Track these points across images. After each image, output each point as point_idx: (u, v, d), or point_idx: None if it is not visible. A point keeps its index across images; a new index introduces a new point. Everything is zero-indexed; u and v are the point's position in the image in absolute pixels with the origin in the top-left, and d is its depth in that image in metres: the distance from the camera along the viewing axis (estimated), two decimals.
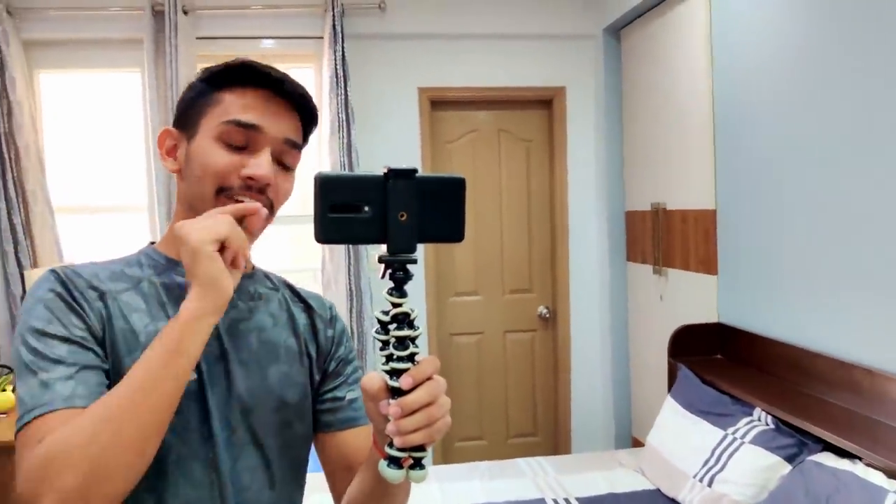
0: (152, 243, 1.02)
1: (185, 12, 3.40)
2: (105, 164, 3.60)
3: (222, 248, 0.81)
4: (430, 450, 0.73)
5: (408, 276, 0.71)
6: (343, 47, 3.46)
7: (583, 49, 3.89)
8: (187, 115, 0.95)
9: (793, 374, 2.50)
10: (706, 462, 2.37)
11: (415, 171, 0.69)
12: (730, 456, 2.30)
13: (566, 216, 3.93)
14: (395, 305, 0.71)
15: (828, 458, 2.03)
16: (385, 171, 0.69)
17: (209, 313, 0.80)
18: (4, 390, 2.85)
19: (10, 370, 3.15)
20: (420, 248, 0.70)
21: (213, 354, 0.93)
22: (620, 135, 3.86)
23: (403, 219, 0.69)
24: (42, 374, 0.80)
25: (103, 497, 0.73)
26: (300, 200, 3.32)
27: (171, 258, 0.96)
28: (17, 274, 3.32)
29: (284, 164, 0.95)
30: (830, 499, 1.87)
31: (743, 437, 2.32)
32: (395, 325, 0.71)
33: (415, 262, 0.70)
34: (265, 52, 3.59)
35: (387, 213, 0.69)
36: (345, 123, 3.47)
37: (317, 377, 1.04)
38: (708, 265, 3.05)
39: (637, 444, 3.74)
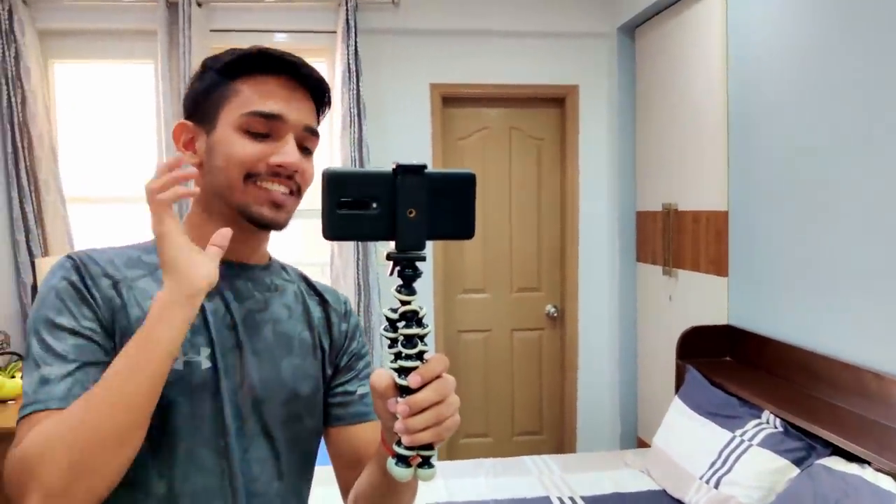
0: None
1: (199, 4, 3.41)
2: (117, 154, 3.61)
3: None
4: (437, 447, 0.73)
5: (416, 274, 0.70)
6: (356, 42, 3.46)
7: (597, 47, 3.87)
8: (203, 107, 0.95)
9: (802, 378, 2.48)
10: (713, 464, 2.36)
11: (424, 167, 0.68)
12: (737, 458, 2.29)
13: (576, 215, 3.91)
14: (403, 303, 0.70)
15: (836, 462, 2.02)
16: (394, 167, 0.68)
17: (177, 303, 0.79)
18: (14, 377, 2.87)
19: (21, 357, 3.17)
20: (428, 244, 0.69)
21: (228, 344, 0.93)
22: (633, 134, 3.83)
23: (412, 215, 0.68)
24: (44, 368, 0.81)
25: (86, 492, 0.74)
26: (309, 194, 3.31)
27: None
28: (28, 263, 3.34)
29: (305, 149, 0.96)
30: (839, 503, 1.86)
31: (751, 439, 2.31)
32: (403, 323, 0.70)
33: (423, 259, 0.69)
34: (278, 46, 3.52)
35: (395, 209, 0.68)
36: (356, 118, 3.47)
37: (329, 371, 1.05)
38: (719, 266, 3.03)
39: (642, 444, 3.73)
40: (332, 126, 3.54)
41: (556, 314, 4.00)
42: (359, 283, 3.52)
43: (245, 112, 0.91)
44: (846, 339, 2.31)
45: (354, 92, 3.46)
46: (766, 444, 2.25)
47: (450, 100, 3.81)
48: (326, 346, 1.04)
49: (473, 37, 3.76)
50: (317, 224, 0.69)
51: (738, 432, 2.37)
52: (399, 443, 0.71)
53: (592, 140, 3.90)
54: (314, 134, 0.97)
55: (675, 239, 3.39)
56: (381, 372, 0.73)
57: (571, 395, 3.97)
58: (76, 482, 0.73)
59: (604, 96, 3.89)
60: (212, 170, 0.93)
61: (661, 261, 3.52)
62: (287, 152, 0.91)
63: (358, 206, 0.68)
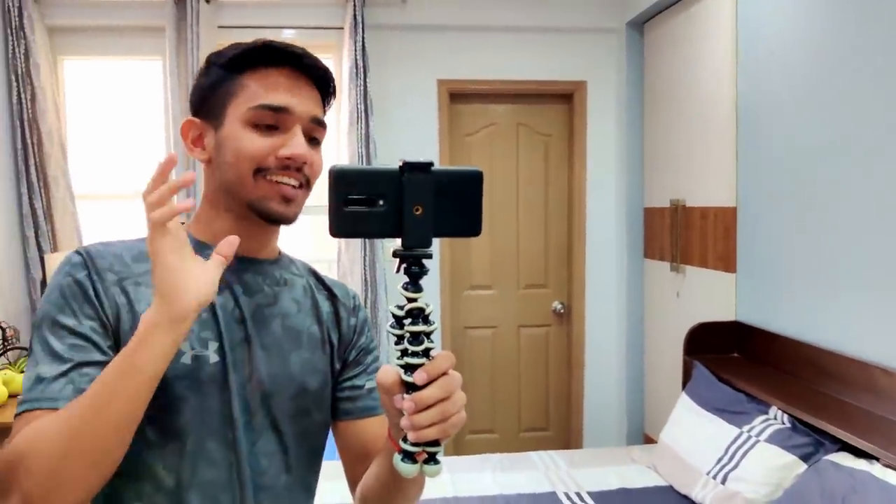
0: (182, 223, 1.02)
1: (207, 1, 3.41)
2: (126, 151, 3.63)
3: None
4: (443, 443, 0.73)
5: (423, 271, 0.70)
6: (363, 38, 3.46)
7: (605, 43, 3.85)
8: (210, 103, 0.95)
9: (810, 373, 2.48)
10: (720, 459, 2.36)
11: (431, 164, 0.68)
12: (744, 454, 2.29)
13: (584, 211, 3.90)
14: (409, 300, 0.70)
15: (844, 458, 2.01)
16: (401, 164, 0.68)
17: (161, 326, 0.76)
18: (24, 372, 2.89)
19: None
20: (435, 240, 0.69)
21: (237, 338, 0.94)
22: (641, 130, 3.82)
23: (419, 213, 0.68)
24: (41, 366, 0.82)
25: (64, 499, 0.74)
26: (318, 190, 3.31)
27: (201, 240, 0.96)
28: (37, 259, 3.36)
29: (313, 140, 0.96)
30: (846, 499, 1.86)
31: (758, 435, 2.30)
32: (409, 321, 0.70)
33: (430, 256, 0.69)
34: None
35: (402, 207, 0.68)
36: (363, 114, 3.47)
37: (337, 365, 1.05)
38: (727, 263, 3.02)
39: (649, 441, 3.72)
40: (339, 122, 3.54)
41: (562, 311, 4.00)
42: (366, 280, 3.53)
43: (252, 106, 0.91)
44: (854, 334, 2.30)
45: (361, 88, 3.46)
46: (774, 439, 2.25)
47: (457, 96, 3.80)
48: (335, 341, 1.05)
49: (481, 32, 3.75)
50: (324, 220, 0.69)
51: (746, 428, 2.37)
52: (405, 439, 0.71)
53: (600, 136, 3.89)
54: (321, 125, 0.97)
55: (683, 235, 3.38)
56: (388, 368, 0.73)
57: (578, 391, 3.97)
58: (53, 492, 0.74)
59: (612, 92, 3.88)
60: (221, 165, 0.93)
61: (669, 257, 3.51)
62: (295, 144, 0.91)
63: (365, 204, 0.68)
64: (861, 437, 1.99)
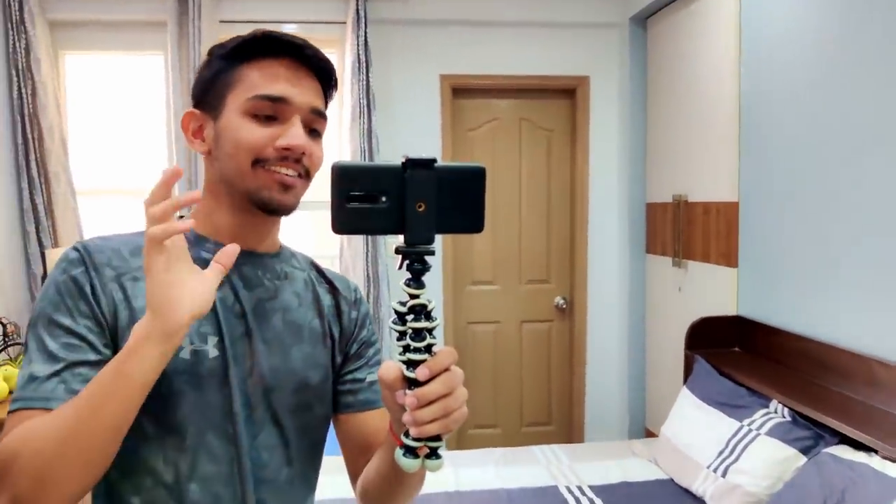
0: (181, 217, 1.02)
1: None
2: (127, 146, 3.63)
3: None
4: (445, 438, 0.73)
5: (425, 268, 0.70)
6: (366, 32, 3.45)
7: (608, 38, 3.85)
8: (210, 94, 0.95)
9: (810, 367, 2.48)
10: (721, 453, 2.36)
11: (434, 160, 0.68)
12: (745, 447, 2.30)
13: (586, 207, 3.90)
14: (412, 297, 0.70)
15: (844, 451, 2.02)
16: (403, 160, 0.68)
17: (153, 339, 0.75)
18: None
19: None
20: (437, 236, 0.69)
21: (237, 332, 0.93)
22: (644, 126, 3.82)
23: (421, 209, 0.68)
24: (35, 365, 0.82)
25: (51, 502, 0.74)
26: (319, 186, 3.31)
27: (201, 234, 0.96)
28: (38, 254, 3.36)
29: (313, 132, 0.95)
30: (846, 491, 1.86)
31: (759, 428, 2.31)
32: (412, 317, 0.70)
33: (433, 253, 0.69)
34: None
35: (404, 203, 0.68)
36: (366, 109, 3.47)
37: (339, 359, 1.05)
38: (728, 257, 3.02)
39: (650, 435, 3.73)
40: (341, 117, 3.54)
41: (565, 306, 4.00)
42: (368, 275, 3.53)
43: (250, 96, 0.90)
44: (854, 328, 2.30)
45: (364, 83, 3.46)
46: (774, 433, 2.25)
47: (460, 91, 3.80)
48: (336, 334, 1.05)
49: (484, 27, 3.74)
50: (326, 216, 0.69)
51: (746, 422, 2.37)
52: (407, 434, 0.71)
53: (603, 131, 3.88)
54: (321, 116, 0.96)
55: (685, 230, 3.38)
56: (390, 364, 0.73)
57: (580, 386, 3.98)
58: (43, 492, 0.74)
59: (615, 87, 3.87)
60: (220, 157, 0.93)
61: (671, 252, 3.51)
62: (294, 135, 0.90)
63: (367, 200, 0.68)
64: (860, 429, 2.00)
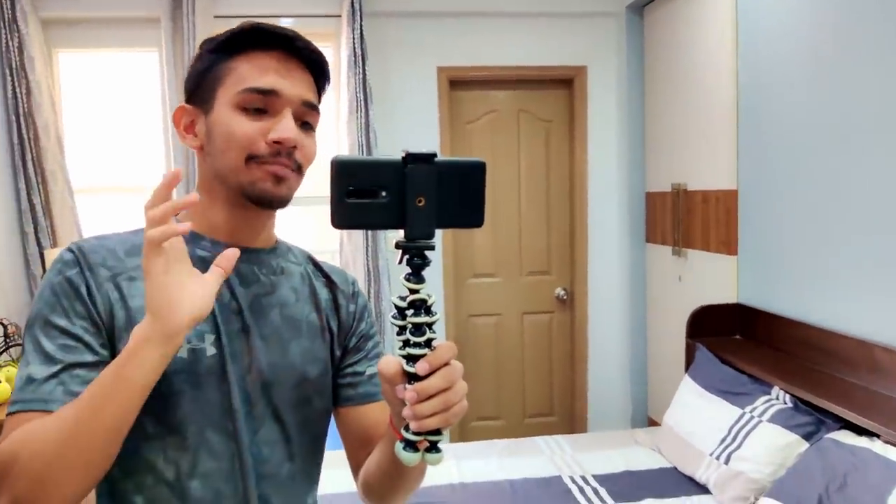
0: (175, 215, 1.01)
1: None
2: (124, 143, 3.62)
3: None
4: (446, 431, 0.73)
5: (425, 263, 0.70)
6: (361, 26, 3.44)
7: (605, 27, 3.83)
8: (201, 88, 0.94)
9: (812, 354, 2.49)
10: (723, 440, 2.37)
11: (434, 155, 0.68)
12: (747, 434, 2.30)
13: (585, 197, 3.90)
14: (412, 292, 0.70)
15: (846, 436, 2.03)
16: (403, 155, 0.68)
17: (152, 342, 0.75)
18: None
19: None
20: (438, 231, 0.69)
21: (235, 329, 0.93)
22: (642, 115, 3.81)
23: (421, 204, 0.68)
24: (32, 367, 0.82)
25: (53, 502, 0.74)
26: (318, 181, 3.31)
27: (196, 232, 0.95)
28: (37, 254, 3.35)
29: (305, 125, 0.94)
30: (848, 476, 1.87)
31: (761, 415, 2.32)
32: (412, 312, 0.70)
33: (433, 248, 0.69)
34: None
35: (404, 198, 0.68)
36: (363, 103, 3.46)
37: (338, 352, 1.05)
38: (728, 246, 3.02)
39: (653, 424, 3.74)
40: (338, 111, 3.53)
41: (566, 297, 4.00)
42: (369, 270, 3.53)
43: (240, 89, 0.90)
44: (855, 314, 2.30)
45: (360, 76, 3.45)
46: (776, 419, 2.26)
47: (457, 83, 3.79)
48: (335, 328, 1.04)
49: (480, 18, 3.73)
50: (326, 211, 0.69)
51: (748, 409, 2.38)
52: (407, 428, 0.71)
53: (601, 121, 3.87)
54: (313, 109, 0.95)
55: (685, 219, 3.38)
56: (390, 358, 0.73)
57: (582, 376, 3.98)
58: (43, 494, 0.74)
59: (612, 77, 3.86)
60: (212, 152, 0.92)
61: (671, 241, 3.51)
62: (284, 128, 0.89)
63: (367, 195, 0.68)
64: (862, 414, 2.01)
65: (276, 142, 0.89)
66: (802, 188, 2.54)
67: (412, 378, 0.70)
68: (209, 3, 3.43)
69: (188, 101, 0.96)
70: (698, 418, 2.57)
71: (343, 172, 0.68)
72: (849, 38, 2.27)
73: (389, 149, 3.55)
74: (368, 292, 3.54)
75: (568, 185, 3.96)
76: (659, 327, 3.73)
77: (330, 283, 1.07)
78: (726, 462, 2.31)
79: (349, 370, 1.05)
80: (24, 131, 3.28)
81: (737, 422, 2.37)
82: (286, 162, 0.90)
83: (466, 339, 3.93)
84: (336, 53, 3.59)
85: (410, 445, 0.72)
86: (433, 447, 0.72)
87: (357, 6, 3.42)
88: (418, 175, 0.68)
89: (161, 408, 0.86)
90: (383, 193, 0.68)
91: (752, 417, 2.34)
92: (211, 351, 0.90)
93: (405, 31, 3.68)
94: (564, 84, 3.90)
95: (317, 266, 1.09)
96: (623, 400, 3.97)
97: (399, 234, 0.70)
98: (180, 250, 0.78)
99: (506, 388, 4.02)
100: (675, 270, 3.50)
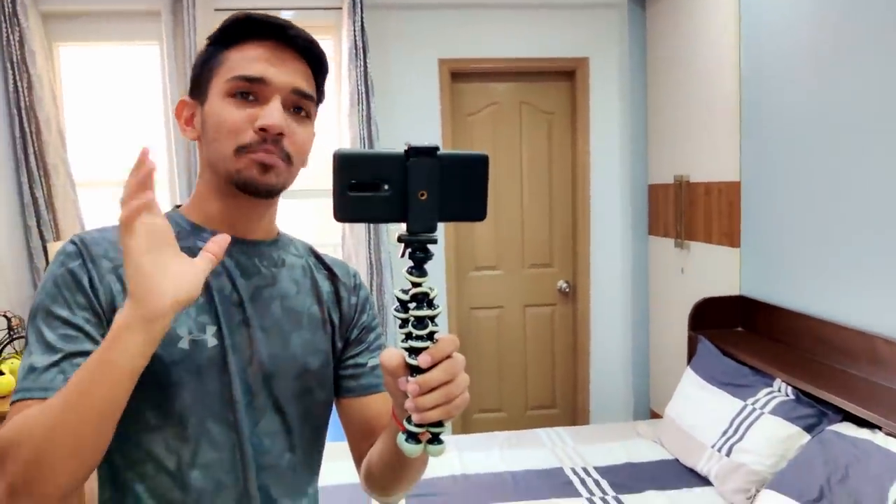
0: (178, 206, 1.01)
1: None
2: (125, 136, 3.62)
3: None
4: (448, 423, 0.73)
5: (428, 256, 0.70)
6: (362, 18, 3.43)
7: (607, 18, 3.81)
8: (198, 81, 0.95)
9: (813, 345, 2.49)
10: (725, 432, 2.37)
11: (436, 148, 0.68)
12: (749, 426, 2.31)
13: (588, 190, 3.89)
14: (414, 285, 0.70)
15: (847, 428, 2.03)
16: (406, 148, 0.68)
17: (134, 327, 0.73)
18: None
19: None
20: (440, 224, 0.69)
21: (236, 320, 0.94)
22: (644, 106, 3.80)
23: (424, 198, 0.68)
24: (34, 356, 0.82)
25: (49, 488, 0.74)
26: (319, 174, 3.31)
27: (196, 223, 0.96)
28: (40, 247, 3.36)
29: (298, 111, 0.94)
30: (850, 467, 1.88)
31: (763, 407, 2.32)
32: (414, 305, 0.71)
33: (435, 241, 0.69)
34: None
35: (407, 191, 0.68)
36: (364, 96, 3.45)
37: (339, 344, 1.05)
38: (731, 238, 3.02)
39: (655, 416, 3.75)
40: (339, 104, 3.52)
41: (568, 289, 4.00)
42: (371, 263, 3.53)
43: (229, 77, 0.91)
44: (857, 306, 2.30)
45: (362, 69, 3.44)
46: (778, 411, 2.26)
47: (459, 75, 3.78)
48: (336, 320, 1.05)
49: (482, 10, 3.71)
50: (328, 204, 0.69)
51: (750, 401, 2.38)
52: (409, 420, 0.72)
53: (603, 113, 3.86)
54: (307, 97, 0.94)
55: (687, 211, 3.38)
56: (392, 351, 0.74)
57: (584, 368, 3.99)
58: (35, 479, 0.74)
59: (615, 68, 3.84)
60: (207, 142, 0.93)
61: (674, 233, 3.50)
62: (270, 114, 0.89)
63: (369, 188, 0.68)
64: (863, 406, 2.01)
65: (261, 129, 0.89)
66: (805, 180, 2.53)
67: (414, 370, 0.71)
68: None
69: (189, 94, 0.98)
70: (700, 410, 2.57)
71: (345, 166, 0.68)
72: (851, 30, 2.26)
73: (391, 141, 3.54)
74: (371, 285, 3.54)
75: (570, 178, 3.96)
76: (661, 319, 3.73)
77: (332, 276, 1.08)
78: (728, 454, 2.31)
79: (351, 362, 1.05)
80: (25, 125, 3.28)
81: (738, 414, 2.38)
82: (271, 149, 0.90)
83: (468, 332, 3.93)
84: (337, 46, 3.58)
85: (413, 437, 0.72)
86: (435, 439, 0.73)
87: None
88: (420, 168, 0.68)
89: (162, 398, 0.87)
90: (385, 187, 0.68)
91: (753, 409, 2.34)
92: (212, 342, 0.91)
93: (406, 23, 3.67)
94: (566, 76, 3.89)
95: (318, 258, 1.09)
96: (625, 392, 3.98)
97: (401, 228, 0.70)
98: (163, 234, 0.77)
99: (508, 380, 4.03)
100: (677, 262, 3.50)
